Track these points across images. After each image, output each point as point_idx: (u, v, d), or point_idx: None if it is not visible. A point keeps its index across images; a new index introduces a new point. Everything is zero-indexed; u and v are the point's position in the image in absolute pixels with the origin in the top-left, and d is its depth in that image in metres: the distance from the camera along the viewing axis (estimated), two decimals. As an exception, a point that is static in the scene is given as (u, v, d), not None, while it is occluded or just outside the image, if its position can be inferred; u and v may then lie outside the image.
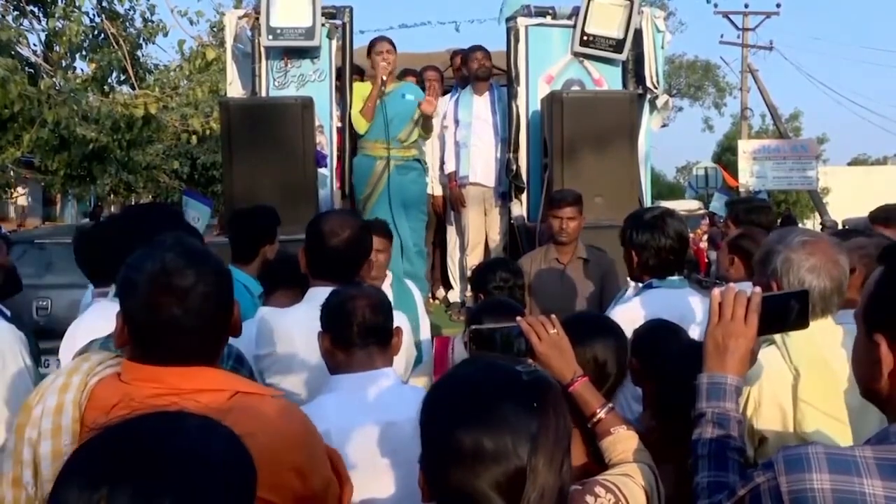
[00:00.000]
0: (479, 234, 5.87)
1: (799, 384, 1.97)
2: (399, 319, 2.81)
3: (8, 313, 2.75)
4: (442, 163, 6.00)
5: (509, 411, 1.11)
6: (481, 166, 5.82)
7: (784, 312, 1.71)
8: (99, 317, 2.36)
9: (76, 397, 1.49)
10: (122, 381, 1.52)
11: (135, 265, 1.50)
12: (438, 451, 1.15)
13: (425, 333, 3.73)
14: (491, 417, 1.11)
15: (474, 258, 5.82)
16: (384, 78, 5.36)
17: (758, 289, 1.70)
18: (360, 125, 5.48)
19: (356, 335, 2.13)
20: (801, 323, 1.73)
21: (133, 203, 19.49)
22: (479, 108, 5.84)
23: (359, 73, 5.86)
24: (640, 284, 3.68)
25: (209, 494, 0.92)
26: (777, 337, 2.02)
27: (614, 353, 2.07)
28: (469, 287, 5.76)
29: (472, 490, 1.09)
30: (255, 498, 1.01)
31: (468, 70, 5.92)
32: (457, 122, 5.87)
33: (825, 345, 2.01)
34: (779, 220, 16.99)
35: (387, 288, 3.62)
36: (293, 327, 2.54)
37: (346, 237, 2.62)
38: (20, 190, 20.75)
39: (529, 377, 1.17)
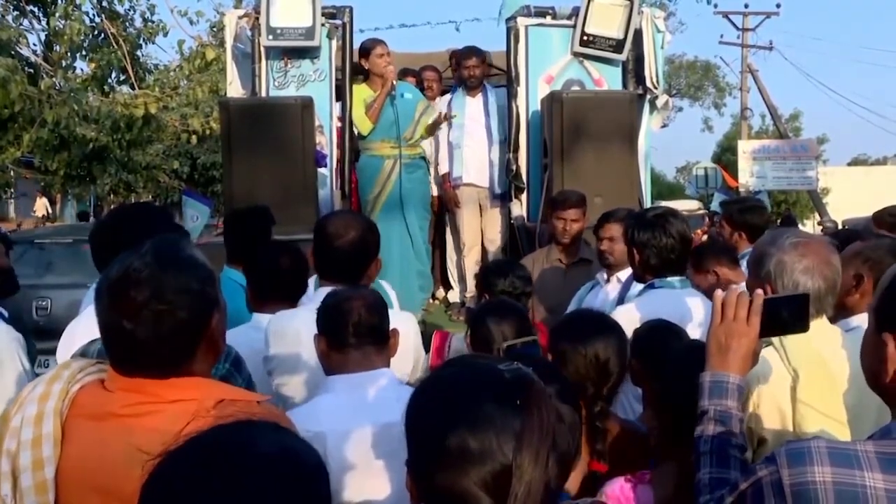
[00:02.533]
0: (474, 234, 5.87)
1: (798, 385, 1.98)
2: (406, 320, 2.81)
3: (6, 314, 2.74)
4: (437, 163, 6.02)
5: (493, 410, 1.12)
6: (475, 167, 5.82)
7: (785, 315, 1.73)
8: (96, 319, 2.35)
9: (57, 406, 1.46)
10: (106, 389, 1.49)
11: (106, 272, 1.48)
12: (424, 452, 1.16)
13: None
14: (475, 417, 1.12)
15: (471, 259, 5.84)
16: (394, 82, 5.44)
17: (760, 291, 1.72)
18: (365, 126, 5.51)
19: (351, 336, 2.13)
20: (802, 326, 1.75)
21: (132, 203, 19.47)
22: (471, 109, 5.85)
23: (359, 74, 5.86)
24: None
25: (293, 496, 0.93)
26: (775, 339, 2.02)
27: (616, 352, 2.07)
28: (469, 286, 5.83)
29: (460, 490, 1.10)
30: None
31: (460, 75, 5.94)
32: (449, 123, 5.86)
33: (823, 345, 2.01)
34: (779, 221, 17.00)
35: None
36: (301, 328, 2.53)
37: (351, 238, 2.64)
38: (41, 201, 20.68)
39: (511, 375, 1.18)
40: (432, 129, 5.71)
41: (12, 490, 1.43)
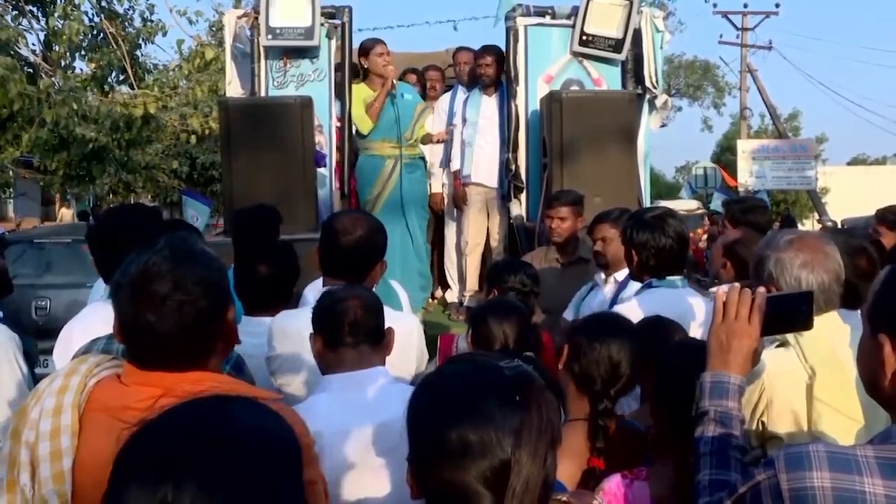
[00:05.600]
0: (479, 234, 5.87)
1: (815, 383, 1.97)
2: (410, 320, 2.81)
3: (0, 314, 2.73)
4: (449, 161, 6.01)
5: (493, 406, 1.14)
6: (484, 166, 5.82)
7: (788, 313, 1.72)
8: (95, 317, 2.35)
9: (75, 399, 1.49)
10: (122, 384, 1.52)
11: (123, 268, 1.51)
12: (425, 447, 1.18)
13: None
14: (475, 412, 1.14)
15: (474, 258, 5.83)
16: (394, 81, 5.45)
17: (762, 289, 1.71)
18: (365, 125, 5.51)
19: (348, 335, 2.13)
20: (805, 324, 1.74)
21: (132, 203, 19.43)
22: (486, 107, 5.85)
23: (357, 74, 5.87)
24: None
25: (268, 472, 0.92)
26: (790, 337, 2.02)
27: (629, 357, 2.08)
28: (469, 286, 5.83)
29: (460, 484, 1.12)
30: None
31: (474, 73, 5.94)
32: (464, 120, 5.86)
33: (837, 342, 2.01)
34: (778, 221, 17.01)
35: None
36: (304, 328, 2.54)
37: (357, 236, 2.63)
38: (68, 212, 20.61)
39: (512, 372, 1.19)
40: (427, 139, 5.74)
41: (31, 479, 1.47)
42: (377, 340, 2.19)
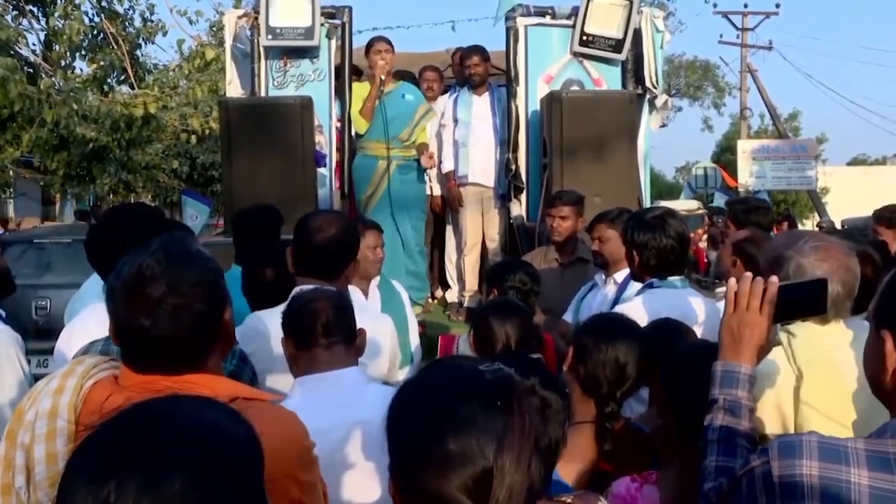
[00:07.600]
0: (476, 234, 5.86)
1: (801, 386, 1.97)
2: (384, 322, 2.80)
3: (3, 314, 2.74)
4: (440, 162, 5.99)
5: (473, 412, 1.09)
6: (480, 166, 5.80)
7: (802, 299, 1.74)
8: (94, 319, 2.35)
9: (72, 400, 1.47)
10: (119, 385, 1.50)
11: (117, 271, 1.49)
12: (405, 456, 1.13)
13: (412, 334, 3.71)
14: (455, 419, 1.09)
15: (472, 258, 5.82)
16: (383, 77, 5.39)
17: (774, 278, 1.72)
18: (360, 125, 5.50)
19: (321, 336, 2.13)
20: (819, 309, 1.77)
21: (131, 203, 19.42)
22: (478, 107, 5.83)
23: (357, 73, 5.86)
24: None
25: (218, 469, 0.91)
26: (783, 337, 2.02)
27: (636, 360, 2.08)
28: (468, 286, 5.82)
29: (441, 494, 1.07)
30: (264, 467, 0.98)
31: (463, 74, 5.93)
32: (455, 120, 5.84)
33: (833, 346, 2.00)
34: (781, 221, 17.00)
35: (374, 288, 3.62)
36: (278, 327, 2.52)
37: (330, 235, 2.62)
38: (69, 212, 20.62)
39: (493, 376, 1.14)
40: (422, 149, 5.68)
41: (26, 482, 1.45)
42: (350, 340, 2.19)
